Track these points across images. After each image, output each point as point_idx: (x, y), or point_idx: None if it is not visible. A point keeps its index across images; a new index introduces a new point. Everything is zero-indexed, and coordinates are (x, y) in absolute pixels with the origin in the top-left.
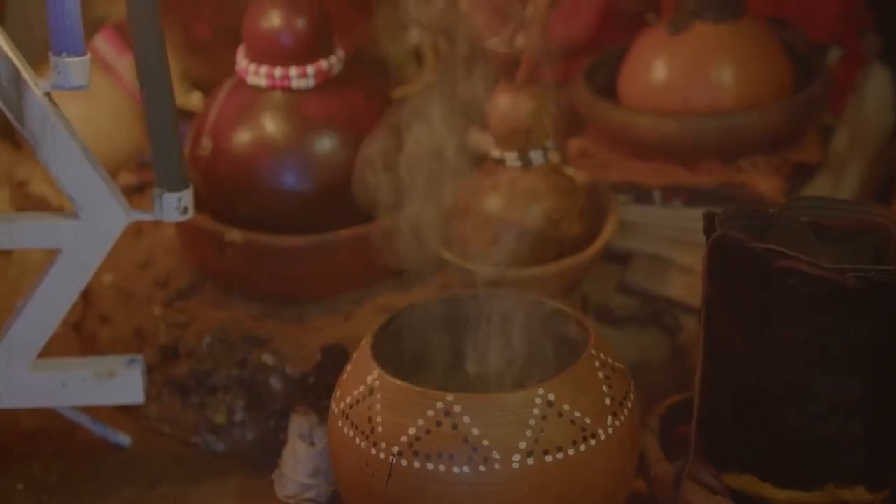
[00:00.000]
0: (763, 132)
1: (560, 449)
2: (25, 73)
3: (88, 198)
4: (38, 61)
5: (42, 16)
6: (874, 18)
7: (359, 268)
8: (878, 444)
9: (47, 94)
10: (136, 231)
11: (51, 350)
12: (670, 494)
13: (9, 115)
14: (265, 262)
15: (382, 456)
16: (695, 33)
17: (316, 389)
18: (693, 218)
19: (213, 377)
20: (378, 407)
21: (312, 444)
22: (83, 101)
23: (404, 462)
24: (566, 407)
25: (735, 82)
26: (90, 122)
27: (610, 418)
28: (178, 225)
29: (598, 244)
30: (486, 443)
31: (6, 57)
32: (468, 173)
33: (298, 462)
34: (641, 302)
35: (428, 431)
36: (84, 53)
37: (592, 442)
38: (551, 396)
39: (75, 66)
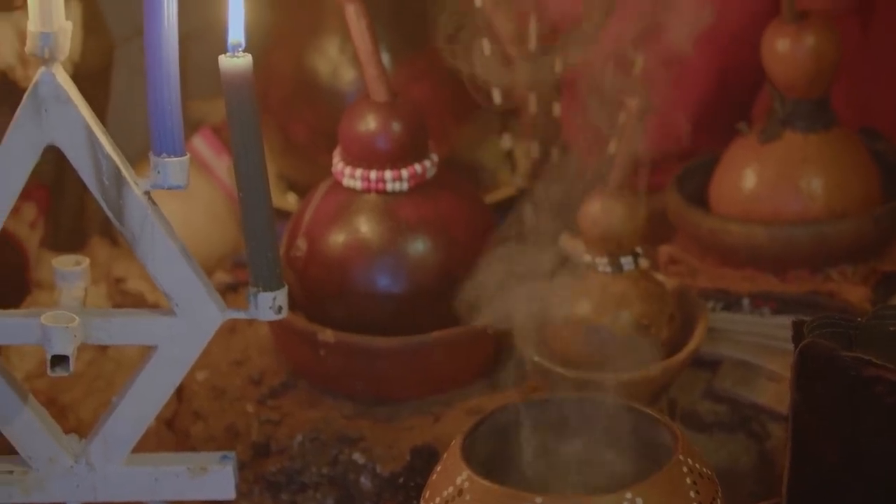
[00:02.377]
0: (852, 241)
1: None
2: (126, 172)
3: (185, 295)
4: (137, 161)
5: (143, 117)
6: None
7: (449, 369)
8: None
9: (147, 193)
10: (230, 329)
11: (145, 445)
12: None
13: (108, 212)
14: (357, 362)
15: None
16: (785, 143)
17: (405, 489)
18: (782, 326)
19: (304, 475)
20: None
21: None
22: (181, 200)
23: None
24: None
25: (824, 192)
26: (187, 220)
27: None
28: (272, 324)
29: (686, 350)
30: None
31: (108, 156)
32: (559, 278)
33: None
34: (729, 408)
35: None
36: (183, 154)
37: None
38: (639, 501)
39: (174, 167)
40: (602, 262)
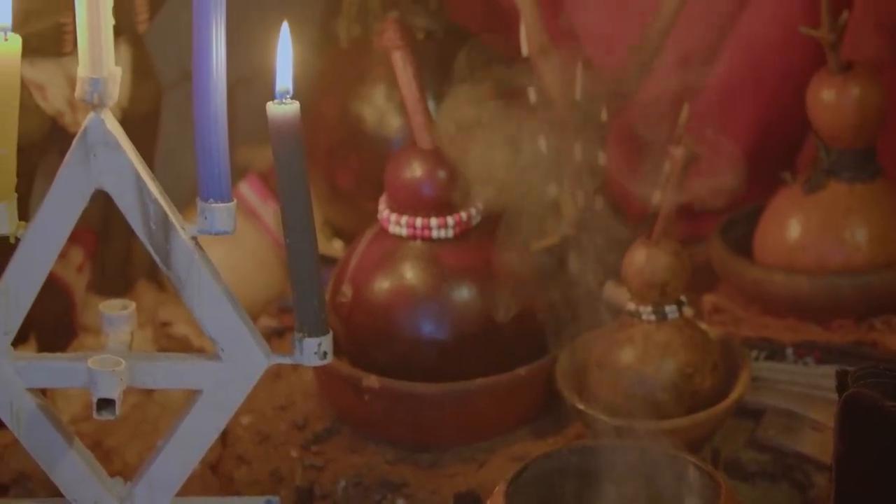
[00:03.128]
0: None
1: None
2: (173, 217)
3: (230, 340)
4: (185, 206)
5: (191, 162)
6: None
7: (493, 416)
8: None
9: (193, 238)
10: (275, 374)
11: (189, 489)
12: None
13: (155, 257)
14: (401, 408)
15: None
16: (830, 193)
17: None
18: (825, 375)
19: None
20: None
21: None
22: (227, 245)
23: None
24: None
25: (869, 242)
26: (233, 266)
27: None
28: (317, 369)
29: (730, 399)
30: None
31: (155, 201)
32: (604, 325)
33: None
34: (773, 457)
35: None
36: (231, 200)
37: None
38: None
39: (222, 212)
40: (646, 311)
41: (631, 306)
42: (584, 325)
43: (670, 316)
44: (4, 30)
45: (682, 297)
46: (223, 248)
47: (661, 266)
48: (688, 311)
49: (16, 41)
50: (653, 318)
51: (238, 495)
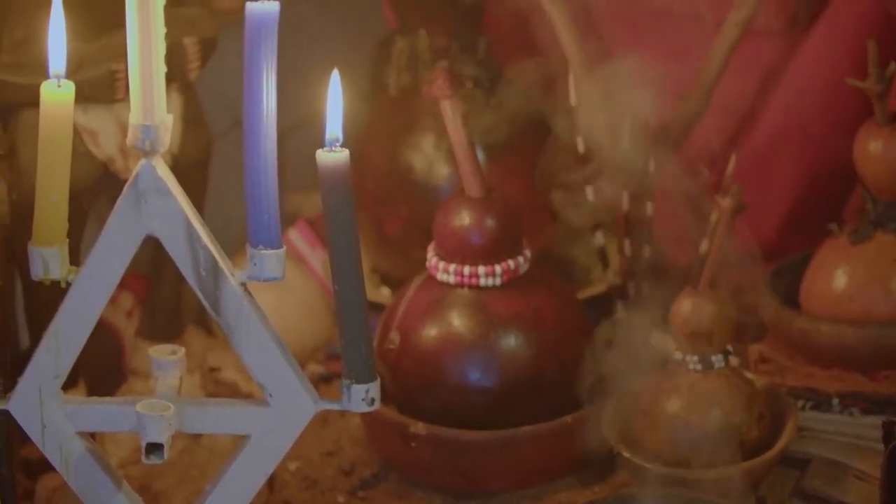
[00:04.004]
0: None
1: None
2: (223, 263)
3: (279, 386)
4: (234, 252)
5: (240, 209)
6: None
7: (539, 464)
8: None
9: (243, 285)
10: (322, 420)
11: None
12: None
13: (205, 303)
14: (448, 454)
15: None
16: (876, 244)
17: None
18: (871, 426)
19: None
20: None
21: None
22: (275, 291)
23: None
24: None
25: None
26: (281, 312)
27: None
28: (364, 415)
29: (776, 449)
30: None
31: (205, 247)
32: (651, 374)
33: None
34: None
35: None
36: (280, 246)
37: None
38: None
39: (271, 259)
40: (693, 360)
41: (677, 355)
42: (630, 374)
43: (716, 365)
44: (58, 77)
45: (729, 347)
46: (272, 294)
47: (707, 316)
48: (734, 361)
49: (69, 88)
50: (699, 367)
51: None
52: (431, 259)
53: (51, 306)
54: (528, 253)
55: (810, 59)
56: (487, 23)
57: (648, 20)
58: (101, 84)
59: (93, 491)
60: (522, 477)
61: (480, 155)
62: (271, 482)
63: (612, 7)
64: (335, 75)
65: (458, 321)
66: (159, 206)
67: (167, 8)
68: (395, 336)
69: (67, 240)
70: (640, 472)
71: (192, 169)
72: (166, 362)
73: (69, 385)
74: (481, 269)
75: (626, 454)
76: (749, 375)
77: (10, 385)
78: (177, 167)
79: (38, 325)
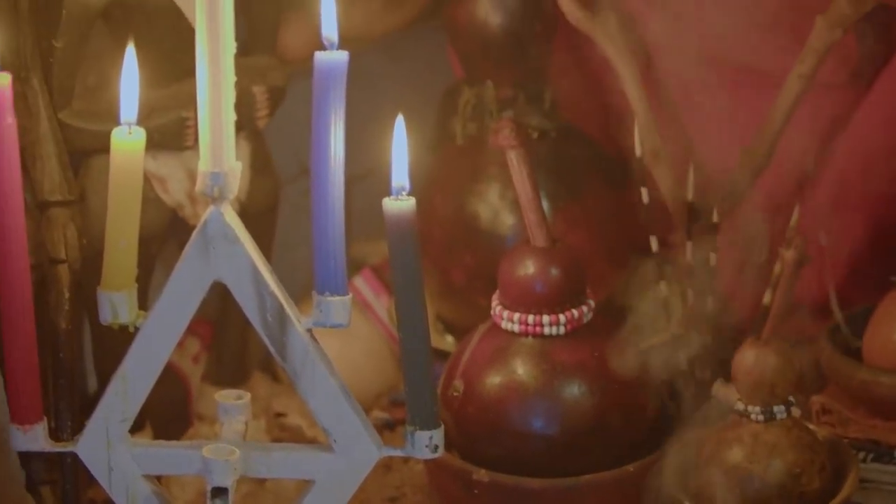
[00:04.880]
0: None
1: None
2: (289, 309)
3: (343, 432)
4: (300, 298)
5: (307, 256)
6: None
7: None
8: None
9: (309, 331)
10: (386, 466)
11: None
12: None
13: (271, 349)
14: (510, 502)
15: None
16: None
17: None
18: None
19: None
20: None
21: None
22: (340, 337)
23: None
24: None
25: None
26: (346, 358)
27: None
28: (428, 462)
29: (837, 500)
30: None
31: (272, 294)
32: (713, 424)
33: None
34: None
35: None
36: (346, 293)
37: None
38: None
39: (337, 306)
40: (755, 411)
41: (740, 405)
42: (692, 424)
43: (779, 416)
44: (129, 124)
45: (791, 398)
46: (336, 341)
47: (770, 367)
48: (796, 412)
49: (140, 135)
50: (761, 417)
51: None
52: (496, 307)
53: (119, 350)
54: (591, 302)
55: (873, 113)
56: (554, 74)
57: (713, 72)
58: (171, 131)
59: None
60: None
61: (545, 205)
62: None
63: (677, 59)
64: (400, 121)
65: (521, 369)
66: (227, 253)
67: (237, 57)
68: (458, 383)
69: (136, 285)
70: None
71: (260, 216)
72: (232, 407)
73: (136, 428)
74: (545, 318)
75: (687, 503)
76: (811, 427)
77: (78, 428)
78: (244, 214)
79: (106, 369)
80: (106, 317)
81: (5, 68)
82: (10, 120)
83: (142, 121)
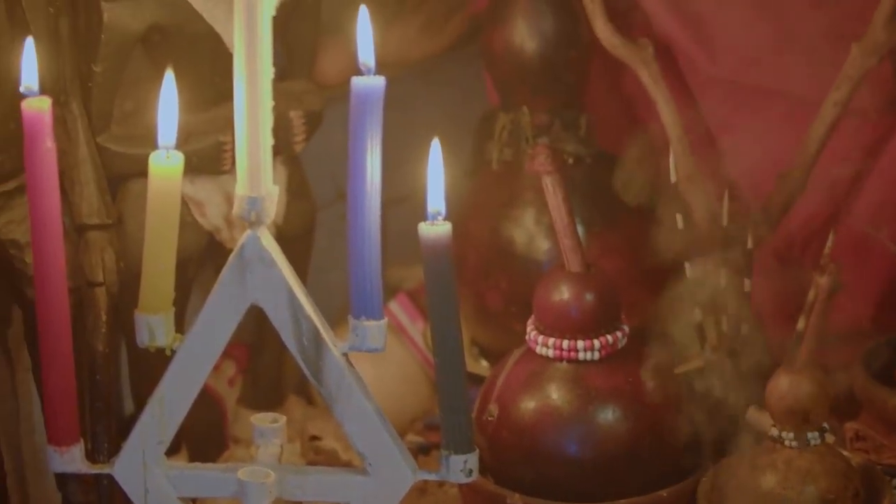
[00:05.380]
0: None
1: None
2: (325, 333)
3: (378, 456)
4: (336, 322)
5: (343, 280)
6: None
7: None
8: None
9: (345, 355)
10: (420, 489)
11: None
12: None
13: (307, 372)
14: None
15: None
16: None
17: None
18: None
19: None
20: None
21: None
22: (375, 362)
23: None
24: None
25: None
26: (381, 382)
27: None
28: (462, 486)
29: None
30: None
31: (308, 317)
32: (746, 450)
33: None
34: None
35: None
36: (382, 318)
37: None
38: None
39: (373, 330)
40: (788, 437)
41: (773, 432)
42: (726, 450)
43: (812, 442)
44: (167, 148)
45: (825, 424)
46: (371, 365)
47: (804, 393)
48: (830, 438)
49: (178, 159)
50: (795, 444)
51: None
52: (531, 332)
53: (155, 373)
54: (626, 328)
55: None
56: (589, 100)
57: (748, 98)
58: (208, 155)
59: None
60: None
61: (580, 230)
62: None
63: (712, 86)
64: (435, 144)
65: (556, 394)
66: (264, 277)
67: (274, 81)
68: (493, 408)
69: (173, 308)
70: None
71: (296, 239)
72: (268, 430)
73: (172, 451)
74: (580, 344)
75: None
76: (845, 453)
77: (115, 450)
78: (281, 237)
79: (143, 392)
80: (143, 340)
81: (45, 92)
82: (50, 144)
83: (179, 145)
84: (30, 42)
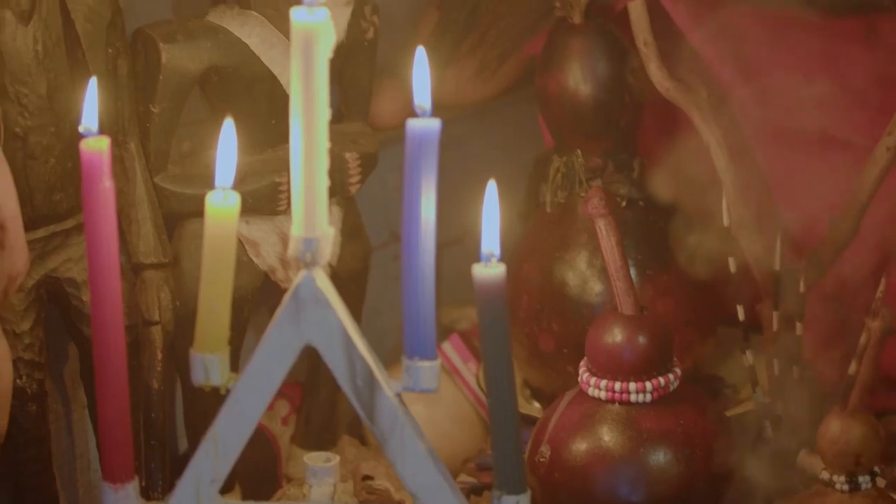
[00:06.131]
0: None
1: None
2: (379, 374)
3: (431, 496)
4: (389, 362)
5: (395, 320)
6: None
7: None
8: None
9: (398, 395)
10: None
11: None
12: None
13: (360, 412)
14: None
15: None
16: None
17: None
18: None
19: None
20: None
21: None
22: (427, 402)
23: None
24: None
25: None
26: (433, 423)
27: None
28: None
29: None
30: None
31: (362, 358)
32: (797, 493)
33: None
34: None
35: None
36: (435, 358)
37: None
38: None
39: (426, 371)
40: (840, 481)
41: (824, 475)
42: (777, 492)
43: (863, 486)
44: (224, 188)
45: (876, 468)
46: (422, 405)
47: (855, 437)
48: (881, 482)
49: (234, 199)
50: (846, 487)
51: None
52: (583, 374)
53: (209, 411)
54: (678, 370)
55: None
56: (642, 143)
57: (800, 143)
58: (264, 196)
59: None
60: None
61: (633, 273)
62: None
63: (764, 130)
64: (491, 186)
65: (608, 436)
66: (318, 317)
67: (330, 123)
68: (545, 449)
69: (229, 347)
70: None
71: (351, 280)
72: (321, 469)
73: (225, 489)
74: (632, 386)
75: None
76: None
77: (169, 487)
78: (335, 277)
79: (197, 430)
80: (198, 378)
81: (103, 132)
82: (108, 183)
83: (236, 185)
84: (92, 83)
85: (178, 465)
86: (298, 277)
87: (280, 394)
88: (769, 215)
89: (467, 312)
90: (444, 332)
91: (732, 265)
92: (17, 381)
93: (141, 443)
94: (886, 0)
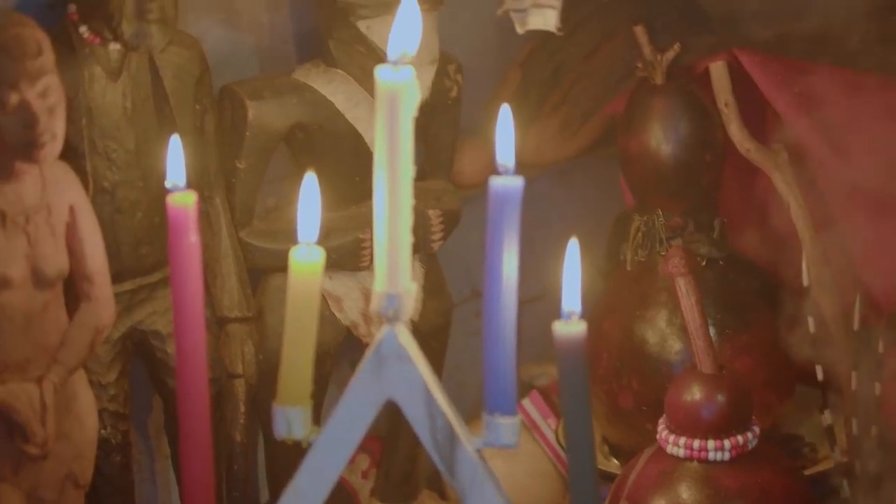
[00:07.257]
0: None
1: None
2: (459, 429)
3: None
4: (469, 418)
5: (477, 376)
6: None
7: None
8: None
9: (478, 451)
10: None
11: None
12: None
13: (440, 467)
14: None
15: None
16: None
17: None
18: None
19: None
20: None
21: None
22: (506, 457)
23: None
24: None
25: None
26: (512, 478)
27: None
28: None
29: None
30: None
31: (443, 413)
32: None
33: None
34: None
35: None
36: (516, 414)
37: None
38: None
39: (507, 427)
40: None
41: None
42: None
43: None
44: (308, 244)
45: None
46: (500, 460)
47: None
48: None
49: (318, 255)
50: None
51: None
52: (662, 432)
53: (291, 464)
54: (756, 429)
55: None
56: (722, 202)
57: (880, 203)
58: (347, 252)
59: None
60: None
61: (713, 332)
62: None
63: (845, 190)
64: (573, 244)
65: (686, 494)
66: (400, 372)
67: (414, 181)
68: None
69: (311, 401)
70: None
71: (432, 336)
72: None
73: None
74: (711, 444)
75: None
76: None
77: None
78: (416, 332)
79: (278, 482)
80: (280, 432)
81: (190, 187)
82: (195, 238)
83: (320, 241)
84: (175, 139)
85: None
86: (381, 333)
87: (361, 448)
88: (849, 276)
89: (547, 369)
90: (524, 388)
91: (811, 325)
92: (102, 431)
93: (223, 495)
94: None
